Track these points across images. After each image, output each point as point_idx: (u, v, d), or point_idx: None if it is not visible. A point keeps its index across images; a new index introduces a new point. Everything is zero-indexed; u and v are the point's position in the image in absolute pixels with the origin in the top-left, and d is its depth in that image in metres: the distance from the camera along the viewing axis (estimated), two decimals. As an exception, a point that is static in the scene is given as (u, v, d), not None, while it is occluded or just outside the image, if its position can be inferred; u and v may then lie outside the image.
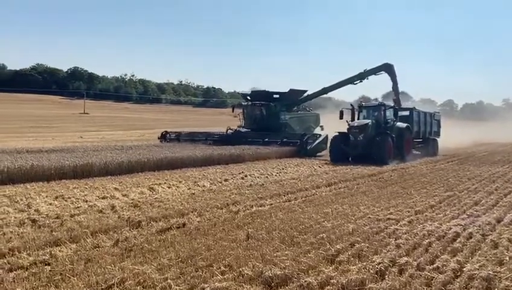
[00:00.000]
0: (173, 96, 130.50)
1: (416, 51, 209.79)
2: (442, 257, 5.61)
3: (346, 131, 19.81)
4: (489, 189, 11.46)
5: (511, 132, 39.02)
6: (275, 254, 5.56)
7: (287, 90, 27.41)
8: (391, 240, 6.38)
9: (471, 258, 5.60)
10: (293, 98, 27.92)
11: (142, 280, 4.66)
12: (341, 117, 20.64)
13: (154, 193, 10.21)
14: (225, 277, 4.81)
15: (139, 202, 9.00)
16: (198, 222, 7.38)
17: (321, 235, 6.48)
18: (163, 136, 27.36)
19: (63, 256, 5.45)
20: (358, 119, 20.72)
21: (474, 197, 10.19)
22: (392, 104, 22.58)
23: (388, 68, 26.46)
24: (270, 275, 4.78)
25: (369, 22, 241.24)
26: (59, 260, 5.29)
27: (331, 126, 23.55)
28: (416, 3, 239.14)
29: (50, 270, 4.96)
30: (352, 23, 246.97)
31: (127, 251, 5.72)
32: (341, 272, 4.99)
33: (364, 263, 5.26)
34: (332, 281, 4.70)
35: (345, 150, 19.36)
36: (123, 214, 7.77)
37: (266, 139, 23.08)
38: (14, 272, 4.94)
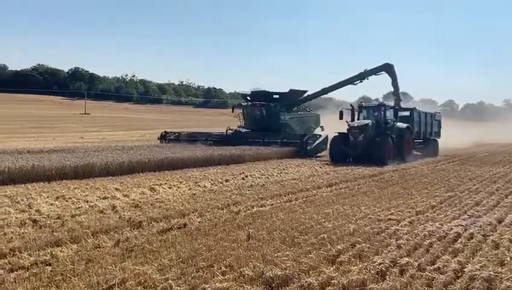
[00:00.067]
0: (174, 96, 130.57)
1: (416, 51, 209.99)
2: (443, 257, 5.60)
3: (346, 131, 19.80)
4: (491, 189, 11.45)
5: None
6: (275, 255, 5.56)
7: (287, 91, 27.39)
8: (392, 240, 6.37)
9: (472, 259, 5.60)
10: (293, 99, 27.91)
11: (143, 280, 4.66)
12: (341, 117, 20.63)
13: (155, 193, 10.22)
14: (226, 277, 4.81)
15: (140, 202, 9.00)
16: (199, 222, 7.38)
17: (322, 235, 6.48)
18: (163, 137, 27.38)
19: (63, 256, 5.45)
20: (358, 119, 20.70)
21: (475, 197, 10.19)
22: (393, 105, 22.58)
23: (388, 68, 26.46)
24: (271, 275, 4.78)
25: (369, 22, 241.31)
26: (60, 260, 5.30)
27: (331, 126, 23.52)
28: (416, 3, 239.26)
29: (51, 271, 4.97)
30: (352, 23, 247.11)
31: (128, 251, 5.73)
32: (342, 272, 4.98)
33: (365, 264, 5.25)
34: (333, 281, 4.70)
35: (344, 150, 19.34)
36: (124, 215, 7.77)
37: (266, 140, 23.07)
38: (15, 272, 4.94)
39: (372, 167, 16.49)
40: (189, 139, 25.90)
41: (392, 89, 26.77)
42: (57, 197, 9.24)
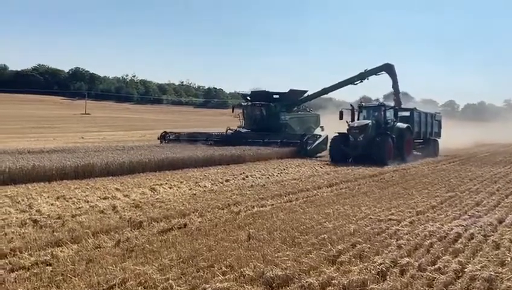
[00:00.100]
0: (174, 96, 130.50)
1: (416, 51, 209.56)
2: (443, 257, 5.60)
3: (346, 132, 19.79)
4: (491, 190, 11.44)
5: (512, 132, 38.96)
6: (276, 255, 5.56)
7: (287, 91, 27.39)
8: (392, 240, 6.37)
9: (473, 259, 5.60)
10: (293, 99, 27.90)
11: (143, 281, 4.66)
12: (341, 117, 20.62)
13: (155, 193, 10.22)
14: (226, 277, 4.81)
15: (140, 202, 9.01)
16: (199, 222, 7.39)
17: (322, 235, 6.48)
18: (163, 137, 27.40)
19: (64, 256, 5.45)
20: (358, 119, 20.69)
21: (475, 197, 10.18)
22: (393, 105, 22.57)
23: (389, 68, 26.45)
24: (272, 275, 4.78)
25: (369, 22, 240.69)
26: (60, 261, 5.30)
27: (331, 127, 23.50)
28: (416, 3, 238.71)
29: (51, 271, 4.97)
30: (352, 23, 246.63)
31: (128, 251, 5.73)
32: (342, 272, 4.99)
33: (366, 264, 5.26)
34: (333, 281, 4.70)
35: (344, 150, 19.34)
36: (124, 215, 7.78)
37: (266, 140, 23.07)
38: (16, 272, 4.95)
39: (372, 167, 16.48)
40: (189, 139, 25.91)
41: (392, 89, 26.77)
42: (58, 197, 9.25)
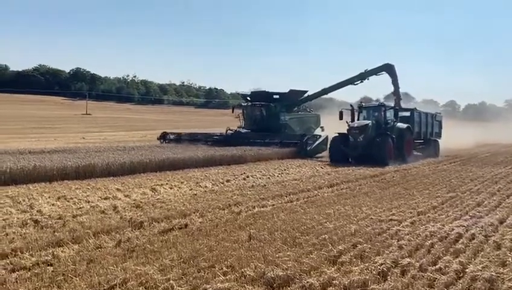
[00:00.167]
0: (175, 97, 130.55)
1: (416, 51, 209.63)
2: (444, 258, 5.60)
3: (346, 132, 19.77)
4: (492, 190, 11.44)
5: (513, 132, 38.90)
6: (277, 255, 5.56)
7: (287, 91, 27.38)
8: (393, 241, 6.37)
9: (474, 260, 5.60)
10: (293, 99, 27.89)
11: (144, 281, 4.67)
12: (341, 118, 20.58)
13: (156, 193, 10.23)
14: (227, 277, 4.81)
15: (141, 202, 9.01)
16: (200, 222, 7.39)
17: (323, 236, 6.48)
18: (163, 137, 27.41)
19: (65, 257, 5.46)
20: (358, 119, 20.66)
21: (476, 198, 10.18)
22: (393, 105, 22.54)
23: (389, 68, 26.43)
24: (272, 276, 4.78)
25: (369, 22, 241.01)
26: (61, 261, 5.31)
27: (331, 127, 23.48)
28: (416, 3, 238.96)
29: (52, 271, 4.98)
30: (352, 23, 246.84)
31: (129, 251, 5.74)
32: (343, 273, 4.99)
33: (367, 264, 5.25)
34: (334, 282, 4.70)
35: (344, 151, 19.32)
36: (125, 215, 7.78)
37: (267, 140, 23.07)
38: (17, 272, 4.95)
39: (373, 168, 16.46)
40: (189, 139, 25.92)
41: (392, 90, 26.74)
42: (59, 198, 9.26)
